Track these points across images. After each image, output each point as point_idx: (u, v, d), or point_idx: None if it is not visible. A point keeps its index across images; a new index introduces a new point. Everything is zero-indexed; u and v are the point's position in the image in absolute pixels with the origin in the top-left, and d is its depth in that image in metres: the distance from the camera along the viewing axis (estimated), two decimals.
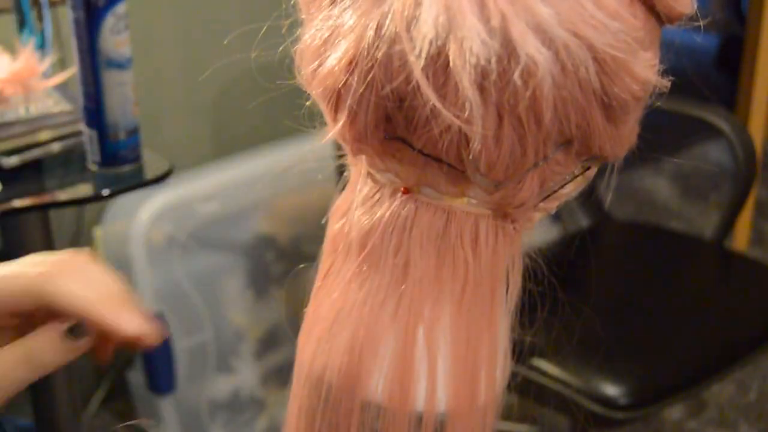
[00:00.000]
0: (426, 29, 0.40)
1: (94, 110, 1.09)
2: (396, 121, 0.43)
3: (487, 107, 0.41)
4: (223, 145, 1.93)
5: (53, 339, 0.48)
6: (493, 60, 0.39)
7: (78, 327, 0.48)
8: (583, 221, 1.81)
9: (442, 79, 0.41)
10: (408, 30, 0.40)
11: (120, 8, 1.06)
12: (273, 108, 1.79)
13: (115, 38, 1.07)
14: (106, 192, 1.12)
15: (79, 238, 1.76)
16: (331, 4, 0.45)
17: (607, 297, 1.53)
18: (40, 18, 1.36)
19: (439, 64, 0.40)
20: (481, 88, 0.40)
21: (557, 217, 1.99)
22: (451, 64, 0.40)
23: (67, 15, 1.08)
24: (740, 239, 2.41)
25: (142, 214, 1.65)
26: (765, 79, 2.36)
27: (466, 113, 0.40)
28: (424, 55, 0.40)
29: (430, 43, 0.40)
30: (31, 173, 1.12)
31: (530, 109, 0.41)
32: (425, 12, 0.40)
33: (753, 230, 2.48)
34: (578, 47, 0.40)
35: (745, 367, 1.52)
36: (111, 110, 1.09)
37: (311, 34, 0.45)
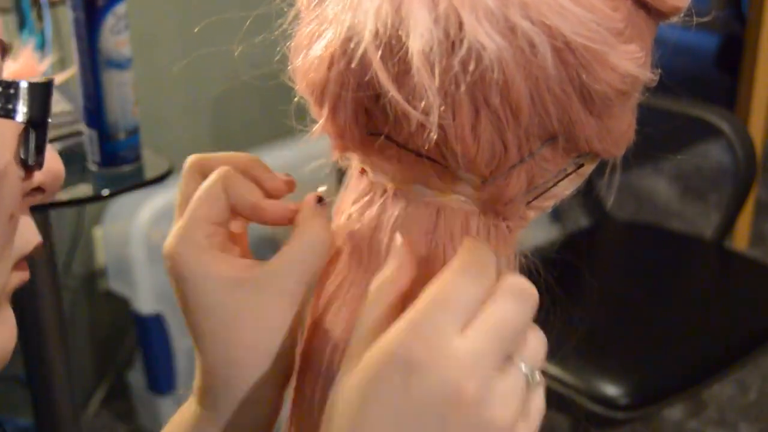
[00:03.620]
0: (364, 18, 0.40)
1: (94, 110, 1.09)
2: (375, 116, 0.44)
3: (452, 98, 0.41)
4: (223, 145, 1.93)
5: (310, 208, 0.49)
6: (436, 46, 0.39)
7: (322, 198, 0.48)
8: (583, 221, 1.81)
9: (399, 69, 0.41)
10: (360, 20, 0.41)
11: (120, 8, 1.06)
12: (273, 108, 1.79)
13: (115, 38, 1.07)
14: (106, 192, 1.12)
15: (79, 238, 1.76)
16: (320, 1, 0.45)
17: (608, 297, 1.53)
18: (40, 18, 1.36)
19: (399, 55, 0.40)
20: (438, 77, 0.40)
21: (557, 217, 1.99)
22: (409, 54, 0.40)
23: (67, 15, 1.08)
24: (740, 239, 2.41)
25: (142, 214, 1.65)
26: (765, 79, 2.36)
27: (422, 103, 0.40)
28: (364, 44, 0.40)
29: (372, 32, 0.40)
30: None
31: (504, 101, 0.41)
32: (367, 1, 0.40)
33: (753, 230, 2.48)
34: (537, 34, 0.40)
35: (745, 367, 1.52)
36: (111, 110, 1.09)
37: (301, 30, 0.46)
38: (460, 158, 0.43)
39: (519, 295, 0.42)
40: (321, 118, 0.45)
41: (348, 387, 0.41)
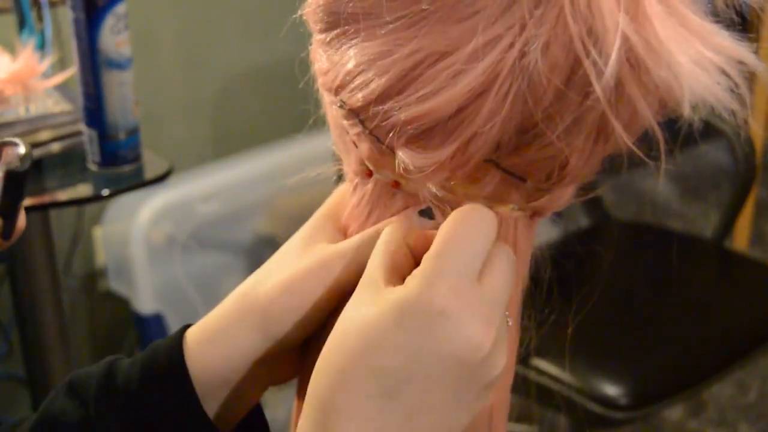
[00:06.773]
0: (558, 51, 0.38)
1: (94, 110, 1.09)
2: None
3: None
4: (223, 145, 1.93)
5: (407, 215, 0.46)
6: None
7: (429, 210, 0.46)
8: (583, 221, 1.81)
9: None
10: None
11: (120, 8, 1.06)
12: (273, 108, 1.79)
13: (115, 38, 1.07)
14: (106, 192, 1.12)
15: (79, 238, 1.76)
16: (406, 20, 0.40)
17: (607, 297, 1.53)
18: (40, 18, 1.36)
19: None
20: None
21: (557, 217, 1.98)
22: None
23: (67, 15, 1.08)
24: (740, 239, 2.41)
25: (142, 214, 1.65)
26: (765, 79, 2.35)
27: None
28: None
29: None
30: (31, 173, 1.12)
31: (607, 123, 0.40)
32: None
33: (753, 230, 2.47)
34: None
35: (745, 367, 1.52)
36: (111, 110, 1.09)
37: (376, 51, 0.41)
38: (566, 179, 0.42)
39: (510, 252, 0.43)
40: (433, 151, 0.41)
41: (364, 324, 0.40)
